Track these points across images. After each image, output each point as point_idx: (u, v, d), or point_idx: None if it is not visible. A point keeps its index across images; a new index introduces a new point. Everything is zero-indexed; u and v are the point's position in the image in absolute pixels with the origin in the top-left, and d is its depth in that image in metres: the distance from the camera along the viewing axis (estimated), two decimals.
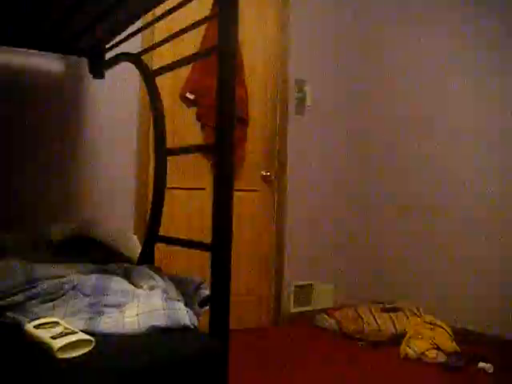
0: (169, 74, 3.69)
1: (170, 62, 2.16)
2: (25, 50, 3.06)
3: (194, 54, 1.92)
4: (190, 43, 3.79)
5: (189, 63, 2.02)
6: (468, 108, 4.06)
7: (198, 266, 3.78)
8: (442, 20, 4.27)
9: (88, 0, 2.07)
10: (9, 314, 1.61)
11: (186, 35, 3.68)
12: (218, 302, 1.67)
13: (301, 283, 4.54)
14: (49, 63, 3.23)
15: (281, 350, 3.65)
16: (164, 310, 1.66)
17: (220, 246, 1.67)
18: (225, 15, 1.66)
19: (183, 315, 1.66)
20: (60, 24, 2.41)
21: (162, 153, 2.19)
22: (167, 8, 2.10)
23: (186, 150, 2.05)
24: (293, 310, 4.48)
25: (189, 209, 3.90)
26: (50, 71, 3.24)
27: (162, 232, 2.32)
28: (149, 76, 2.26)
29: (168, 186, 3.70)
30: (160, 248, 3.59)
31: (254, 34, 4.23)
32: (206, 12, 3.82)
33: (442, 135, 4.23)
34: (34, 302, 1.67)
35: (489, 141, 3.92)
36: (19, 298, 1.65)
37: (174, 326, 1.62)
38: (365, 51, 4.85)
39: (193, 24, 1.92)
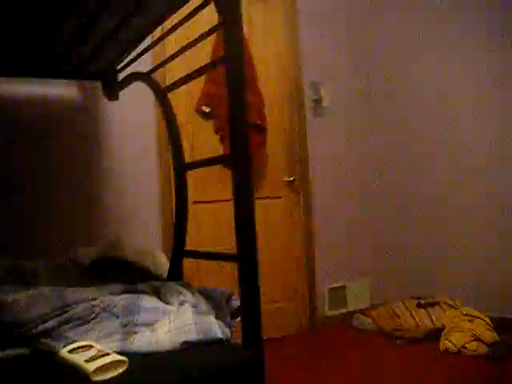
0: (183, 92, 3.72)
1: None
2: (37, 79, 3.10)
3: (202, 67, 1.92)
4: (203, 58, 3.81)
5: (199, 76, 2.02)
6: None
7: (228, 278, 3.77)
8: (457, 16, 4.22)
9: (92, 24, 2.09)
10: (43, 340, 1.62)
11: (199, 51, 3.72)
12: (249, 311, 1.66)
13: (334, 285, 4.51)
14: (62, 90, 3.27)
15: (319, 354, 3.63)
16: (195, 324, 1.65)
17: (246, 255, 1.66)
18: (228, 24, 1.66)
19: (215, 328, 1.66)
20: (68, 50, 2.43)
21: (181, 168, 2.19)
22: (174, 23, 2.11)
23: (203, 164, 2.05)
24: (329, 313, 4.45)
25: (217, 221, 3.90)
26: (64, 98, 3.28)
27: (191, 247, 2.32)
28: (160, 93, 2.27)
29: (194, 200, 3.76)
30: (191, 263, 3.62)
31: (265, 38, 4.23)
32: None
33: (466, 123, 4.17)
34: (66, 326, 1.67)
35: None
36: (52, 324, 1.66)
37: (206, 340, 1.62)
38: (378, 47, 4.81)
39: (199, 36, 1.93)
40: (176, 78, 2.98)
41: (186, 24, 2.04)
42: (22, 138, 3.14)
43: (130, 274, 2.24)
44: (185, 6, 2.03)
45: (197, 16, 1.94)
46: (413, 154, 4.55)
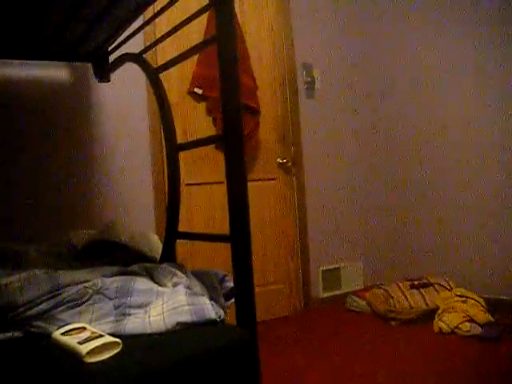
0: (175, 73, 3.69)
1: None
2: (28, 61, 3.07)
3: (194, 47, 1.90)
4: (195, 39, 3.77)
5: (191, 56, 2.00)
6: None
7: (222, 261, 3.77)
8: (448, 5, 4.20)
9: (82, 4, 2.06)
10: (36, 323, 1.62)
11: (190, 31, 3.69)
12: (243, 292, 1.66)
13: (328, 267, 4.52)
14: (53, 72, 3.24)
15: (313, 336, 3.64)
16: (189, 305, 1.65)
17: (239, 236, 1.65)
18: (219, 2, 1.64)
19: (208, 309, 1.65)
20: (59, 31, 2.40)
21: (173, 149, 2.17)
22: (165, 3, 2.08)
23: (196, 144, 2.03)
24: (323, 295, 4.46)
25: (210, 204, 3.89)
26: (55, 80, 3.24)
27: (184, 229, 2.31)
28: (152, 73, 2.24)
29: (187, 182, 3.74)
30: (184, 246, 3.61)
31: (256, 21, 4.20)
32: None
33: (466, 123, 4.15)
34: (60, 309, 1.67)
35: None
36: (45, 306, 1.65)
37: (199, 321, 1.61)
38: (369, 28, 4.78)
39: (190, 16, 1.90)
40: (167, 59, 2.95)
41: (177, 4, 2.01)
42: (12, 121, 3.11)
43: (123, 257, 2.23)
44: None
45: None
46: (406, 141, 4.54)
